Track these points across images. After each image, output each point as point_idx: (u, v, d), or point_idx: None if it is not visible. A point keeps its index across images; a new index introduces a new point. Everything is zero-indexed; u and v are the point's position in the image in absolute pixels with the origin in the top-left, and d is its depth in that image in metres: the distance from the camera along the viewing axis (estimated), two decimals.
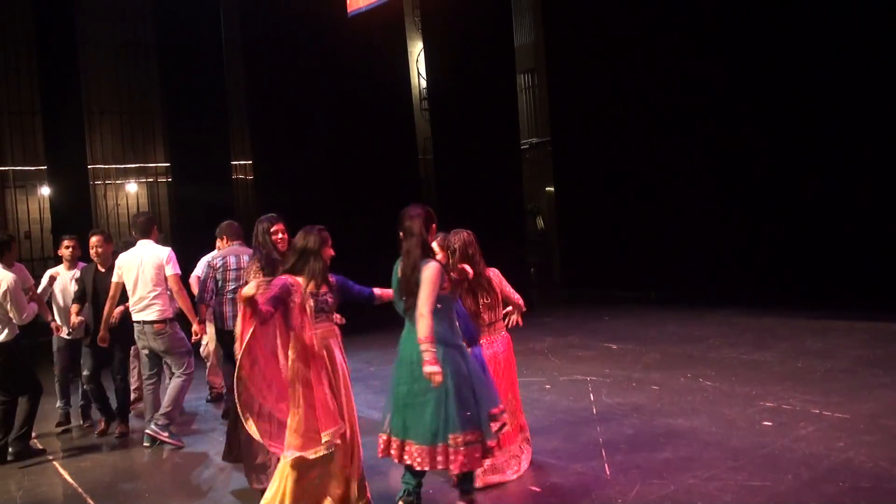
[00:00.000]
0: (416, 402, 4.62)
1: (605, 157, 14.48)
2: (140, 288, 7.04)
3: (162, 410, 7.02)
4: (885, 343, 8.89)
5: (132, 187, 17.09)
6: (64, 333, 7.61)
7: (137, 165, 17.11)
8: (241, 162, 17.04)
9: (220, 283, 6.84)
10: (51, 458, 7.03)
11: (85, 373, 7.51)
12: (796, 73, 11.43)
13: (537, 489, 5.23)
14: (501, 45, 15.99)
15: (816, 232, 11.27)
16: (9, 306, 6.71)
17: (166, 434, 6.98)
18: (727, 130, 12.34)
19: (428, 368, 4.45)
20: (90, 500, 5.89)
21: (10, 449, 6.84)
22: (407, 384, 4.68)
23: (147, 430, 7.07)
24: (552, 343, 10.52)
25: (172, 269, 7.08)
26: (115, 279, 7.15)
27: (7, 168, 15.58)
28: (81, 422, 8.03)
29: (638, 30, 13.58)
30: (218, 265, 6.92)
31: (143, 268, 7.06)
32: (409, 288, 4.67)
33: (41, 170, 14.86)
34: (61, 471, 6.66)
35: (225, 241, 7.39)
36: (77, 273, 7.66)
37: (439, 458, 4.57)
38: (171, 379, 7.23)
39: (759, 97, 11.91)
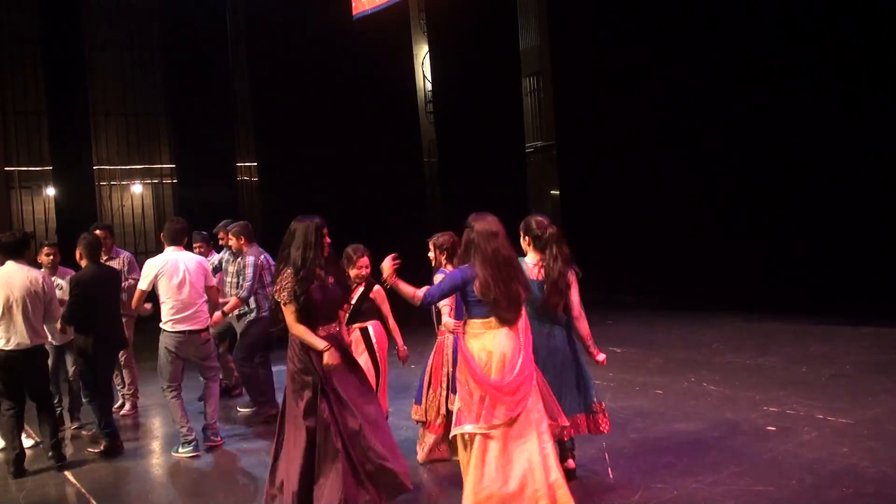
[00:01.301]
0: (568, 383, 5.30)
1: (609, 161, 14.46)
2: (189, 295, 6.80)
3: (211, 420, 7.00)
4: (890, 348, 8.87)
5: (137, 188, 17.12)
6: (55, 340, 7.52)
7: (143, 167, 17.14)
8: (246, 164, 17.07)
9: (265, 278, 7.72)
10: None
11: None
12: (802, 78, 11.41)
13: None
14: (507, 49, 16.01)
15: (821, 237, 11.24)
16: (49, 302, 6.54)
17: (219, 438, 7.00)
18: (732, 135, 12.32)
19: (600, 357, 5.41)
20: (93, 501, 5.90)
21: (49, 454, 6.62)
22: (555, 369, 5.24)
23: (207, 444, 6.92)
24: None
25: (213, 279, 7.16)
26: (143, 286, 6.81)
27: (12, 168, 15.60)
28: (70, 423, 7.88)
29: (644, 34, 13.57)
30: (265, 264, 7.74)
31: (190, 275, 6.84)
32: (561, 289, 5.21)
33: (47, 170, 14.90)
34: (64, 471, 6.64)
35: (243, 241, 7.83)
36: (57, 280, 7.61)
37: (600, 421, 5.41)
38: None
39: (764, 101, 11.89)
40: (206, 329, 7.02)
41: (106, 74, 16.43)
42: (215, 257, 8.66)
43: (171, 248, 6.95)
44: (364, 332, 6.20)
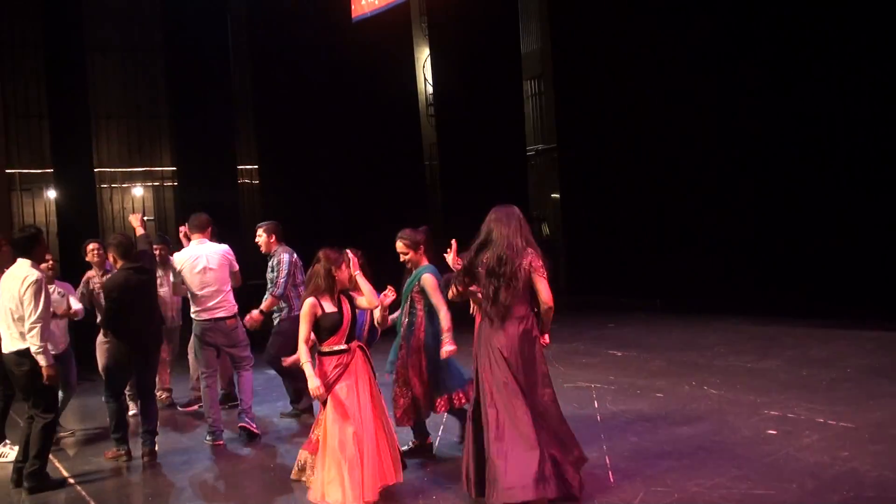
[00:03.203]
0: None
1: (610, 164, 14.47)
2: (211, 285, 7.16)
3: (246, 405, 7.27)
4: (892, 352, 8.85)
5: (138, 191, 17.14)
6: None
7: (144, 169, 17.15)
8: (247, 166, 17.07)
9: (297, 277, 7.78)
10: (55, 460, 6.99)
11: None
12: (804, 82, 11.40)
13: None
14: (508, 52, 16.02)
15: (823, 240, 11.23)
16: (26, 307, 6.02)
17: (255, 425, 7.27)
18: (733, 138, 12.31)
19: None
20: None
21: (24, 484, 6.20)
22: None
23: (241, 424, 7.22)
24: (557, 350, 10.46)
25: (236, 265, 7.41)
26: (175, 279, 7.27)
27: (14, 171, 15.60)
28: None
29: (645, 37, 13.57)
30: (298, 262, 7.83)
31: (211, 265, 7.18)
32: None
33: (48, 173, 14.90)
34: (65, 474, 6.64)
35: (273, 239, 7.92)
36: (55, 287, 7.52)
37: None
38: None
39: (766, 103, 11.88)
40: (234, 316, 7.24)
41: (107, 77, 16.44)
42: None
43: (199, 239, 7.35)
44: (364, 350, 5.68)
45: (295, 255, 7.96)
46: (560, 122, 16.10)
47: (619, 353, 10.13)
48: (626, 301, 13.99)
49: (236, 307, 7.35)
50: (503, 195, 14.24)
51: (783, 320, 11.06)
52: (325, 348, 5.38)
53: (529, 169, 17.20)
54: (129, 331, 6.77)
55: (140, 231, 7.37)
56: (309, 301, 5.38)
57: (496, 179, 14.77)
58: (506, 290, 4.97)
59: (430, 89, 18.16)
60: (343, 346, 5.39)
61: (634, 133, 13.87)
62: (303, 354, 5.30)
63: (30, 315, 6.00)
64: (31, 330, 5.99)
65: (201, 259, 7.19)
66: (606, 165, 14.57)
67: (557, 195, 17.35)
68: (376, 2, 13.66)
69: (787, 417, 6.60)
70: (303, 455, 5.70)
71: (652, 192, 13.70)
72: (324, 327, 5.37)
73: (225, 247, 7.46)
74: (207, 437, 7.25)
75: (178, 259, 7.31)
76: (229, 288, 7.30)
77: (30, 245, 6.28)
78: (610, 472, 5.54)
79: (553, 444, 4.98)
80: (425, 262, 6.13)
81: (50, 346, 6.22)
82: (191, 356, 8.30)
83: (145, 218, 8.00)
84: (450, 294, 5.40)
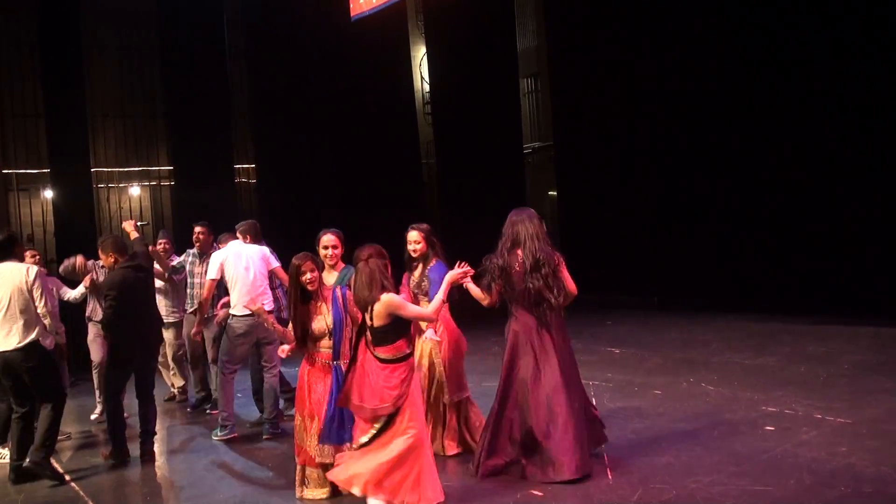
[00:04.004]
0: None
1: (607, 162, 14.46)
2: (250, 282, 7.34)
3: (269, 415, 7.38)
4: (888, 348, 8.88)
5: (135, 190, 17.09)
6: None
7: (141, 169, 17.10)
8: (244, 166, 17.05)
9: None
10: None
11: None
12: (801, 79, 11.41)
13: (539, 493, 5.23)
14: (504, 50, 16.01)
15: (820, 237, 11.24)
16: (37, 295, 6.34)
17: (280, 430, 7.34)
18: (730, 136, 12.31)
19: None
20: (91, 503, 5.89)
21: (27, 458, 6.28)
22: None
23: (265, 436, 7.32)
24: None
25: (276, 262, 7.60)
26: (213, 276, 7.44)
27: (10, 171, 15.58)
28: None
29: (642, 35, 13.57)
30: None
31: (250, 264, 7.38)
32: None
33: (44, 173, 14.86)
34: (62, 472, 6.63)
35: (248, 240, 7.82)
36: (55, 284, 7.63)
37: None
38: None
39: (763, 102, 11.88)
40: (271, 312, 7.24)
41: (104, 77, 16.39)
42: (176, 260, 8.85)
43: (237, 240, 7.66)
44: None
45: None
46: (556, 120, 16.09)
47: (617, 351, 10.14)
48: (623, 298, 14.00)
49: (272, 305, 7.47)
50: (500, 193, 14.37)
51: (780, 317, 11.09)
52: (396, 354, 4.90)
53: (526, 167, 17.20)
54: (128, 329, 6.76)
55: (135, 235, 7.46)
56: (391, 294, 4.88)
57: (493, 177, 14.77)
58: (555, 286, 5.44)
59: (426, 87, 18.16)
60: (409, 350, 4.98)
61: (631, 131, 13.87)
62: (436, 302, 5.07)
63: (46, 302, 6.38)
64: (50, 315, 6.47)
65: (239, 257, 7.41)
66: (603, 163, 14.56)
67: (554, 193, 17.35)
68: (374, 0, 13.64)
69: (784, 414, 6.62)
70: (300, 469, 5.50)
71: (649, 190, 13.71)
72: (403, 325, 4.94)
73: (264, 248, 7.65)
74: (219, 433, 7.32)
75: (217, 256, 7.54)
76: (268, 284, 7.51)
77: (9, 247, 6.55)
78: (608, 470, 5.55)
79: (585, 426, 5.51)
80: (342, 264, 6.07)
81: (48, 341, 6.50)
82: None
83: (139, 223, 8.07)
84: (493, 294, 5.59)
